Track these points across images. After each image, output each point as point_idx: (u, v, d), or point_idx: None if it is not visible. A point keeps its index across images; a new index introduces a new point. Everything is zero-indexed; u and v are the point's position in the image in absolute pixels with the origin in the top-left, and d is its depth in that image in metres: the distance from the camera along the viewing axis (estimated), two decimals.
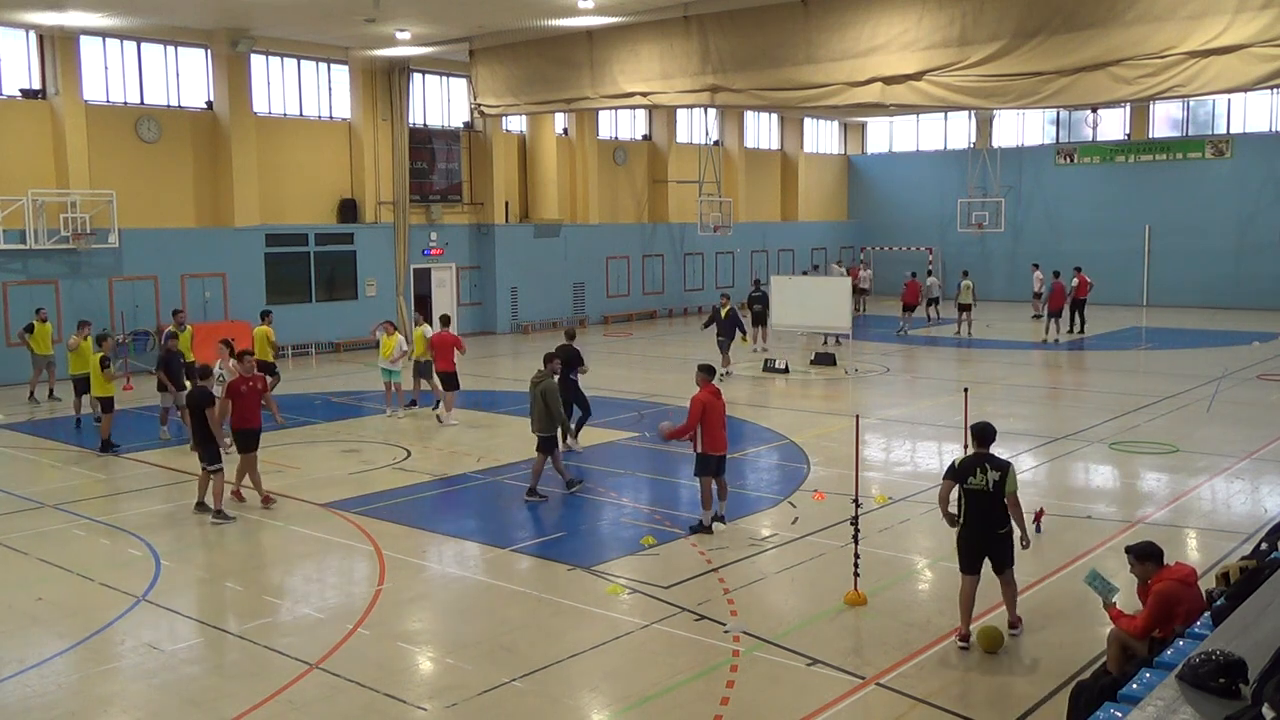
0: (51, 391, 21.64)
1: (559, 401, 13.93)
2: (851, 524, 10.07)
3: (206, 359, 24.80)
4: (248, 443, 13.43)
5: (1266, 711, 4.30)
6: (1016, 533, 8.89)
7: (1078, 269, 32.09)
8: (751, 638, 9.06)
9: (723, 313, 23.71)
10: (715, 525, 12.28)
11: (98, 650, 9.17)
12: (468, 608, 10.23)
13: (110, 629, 9.59)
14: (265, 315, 20.81)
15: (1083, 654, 8.58)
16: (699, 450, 12.13)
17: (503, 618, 9.77)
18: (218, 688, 8.37)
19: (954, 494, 9.04)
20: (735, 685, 8.20)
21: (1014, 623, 9.15)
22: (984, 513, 8.82)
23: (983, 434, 9.09)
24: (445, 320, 20.23)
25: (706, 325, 24.99)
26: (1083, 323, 31.37)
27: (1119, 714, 5.25)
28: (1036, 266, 36.41)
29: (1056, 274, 31.70)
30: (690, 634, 9.23)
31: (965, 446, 11.93)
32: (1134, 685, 5.65)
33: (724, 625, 9.34)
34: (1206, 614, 6.59)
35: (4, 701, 8.13)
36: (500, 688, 8.23)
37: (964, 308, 31.64)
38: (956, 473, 8.96)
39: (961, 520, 8.97)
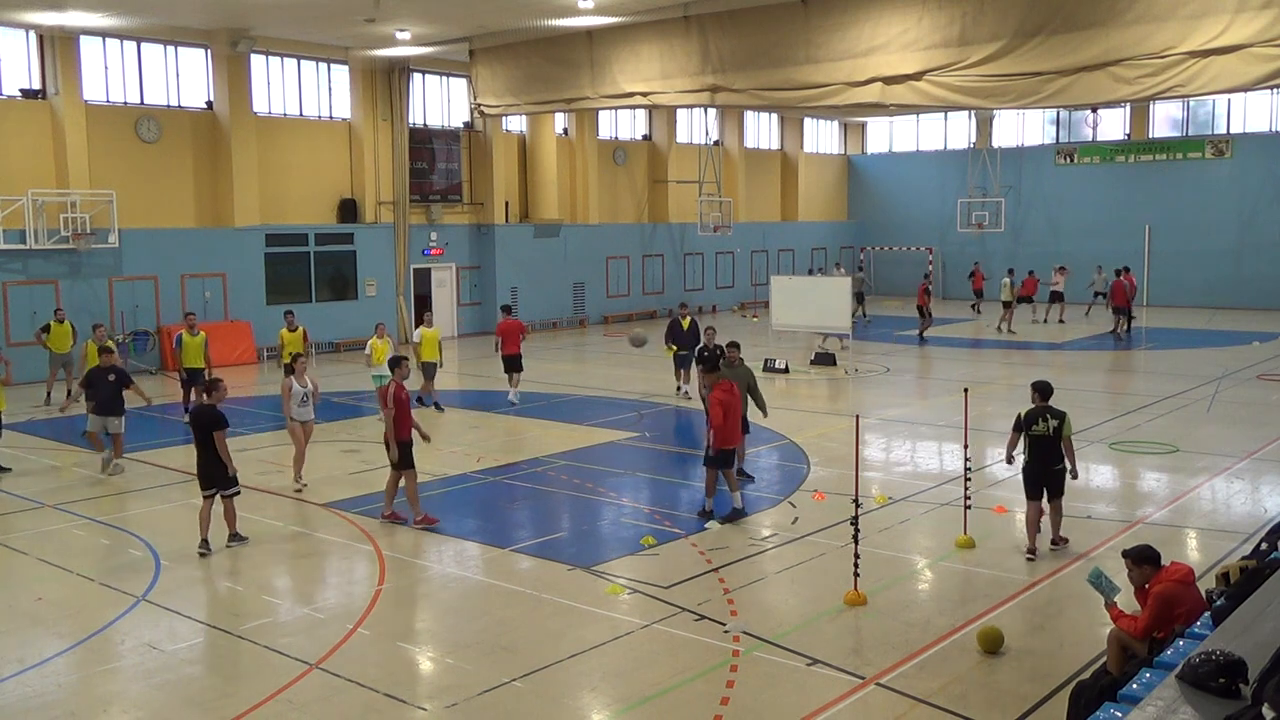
0: (70, 392, 21.58)
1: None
2: (851, 524, 10.06)
3: (223, 361, 24.81)
4: (408, 457, 12.55)
5: (1266, 711, 4.30)
6: (1068, 467, 11.03)
7: (1060, 268, 32.50)
8: (751, 638, 9.06)
9: (684, 323, 20.97)
10: (711, 523, 12.37)
11: (98, 650, 9.17)
12: (468, 608, 10.23)
13: (110, 629, 9.59)
14: (288, 314, 21.20)
15: (1083, 654, 8.58)
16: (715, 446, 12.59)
17: (503, 618, 9.76)
18: (218, 688, 8.37)
19: (1021, 440, 11.15)
20: (735, 685, 8.20)
21: (1057, 541, 11.19)
22: (1043, 453, 10.98)
23: (1043, 389, 11.15)
24: (508, 309, 22.43)
25: (669, 340, 21.27)
26: (1044, 317, 31.82)
27: (1119, 714, 5.25)
28: (1063, 269, 36.24)
29: (1119, 271, 31.72)
30: (690, 634, 9.22)
31: (965, 446, 12.01)
32: (1134, 685, 5.65)
33: (724, 625, 9.34)
34: (1206, 614, 6.59)
35: (4, 701, 8.13)
36: (500, 688, 8.23)
37: (1005, 305, 32.33)
38: (1022, 423, 11.06)
39: (1026, 459, 11.09)
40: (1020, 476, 11.31)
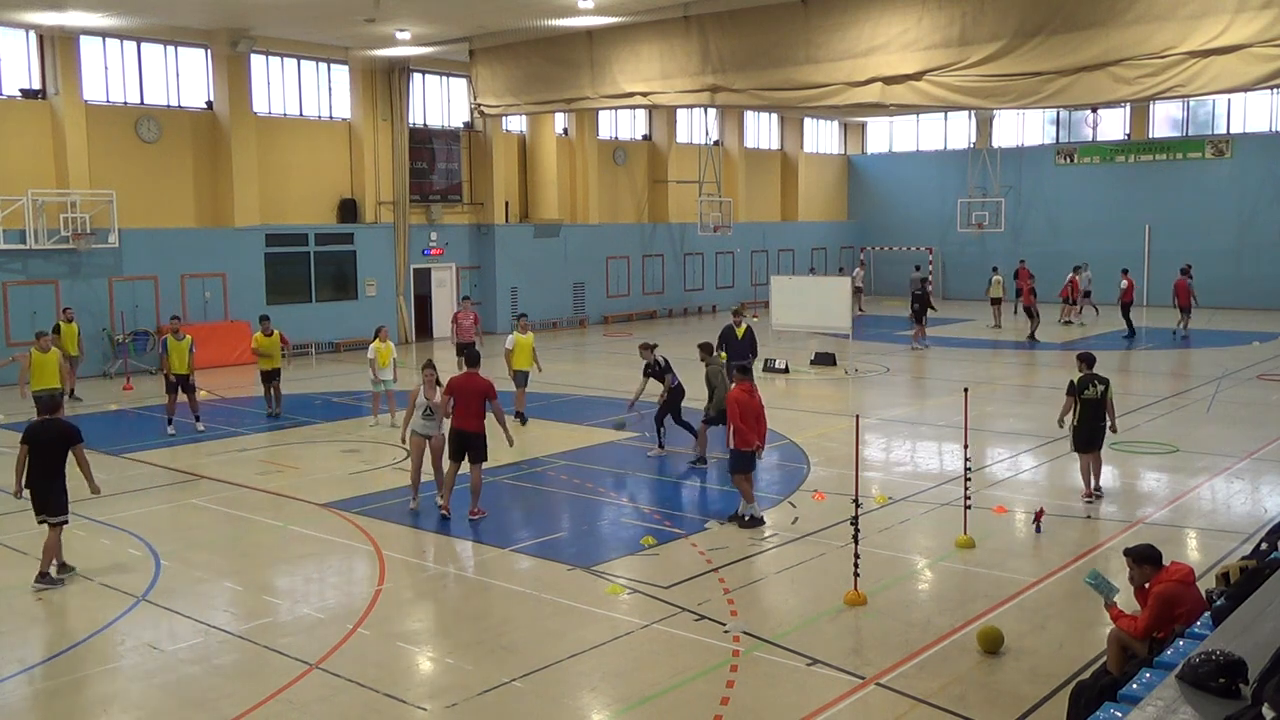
0: (72, 391, 21.48)
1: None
2: (851, 524, 10.06)
3: (223, 361, 24.57)
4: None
5: (1266, 711, 4.30)
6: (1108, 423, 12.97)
7: (1078, 271, 32.35)
8: (751, 638, 9.05)
9: (739, 331, 18.32)
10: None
11: (98, 650, 9.17)
12: (468, 608, 10.23)
13: (110, 629, 9.59)
14: (263, 319, 20.60)
15: (1083, 654, 8.57)
16: (732, 446, 12.37)
17: (503, 618, 9.77)
18: (218, 688, 8.36)
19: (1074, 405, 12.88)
20: (735, 685, 8.20)
21: (1091, 494, 13.00)
22: (1094, 413, 12.83)
23: (1088, 359, 13.01)
24: (466, 299, 24.59)
25: (719, 349, 17.44)
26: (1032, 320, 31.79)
27: (1119, 714, 5.24)
28: (1077, 269, 35.77)
29: (1182, 270, 31.54)
30: (690, 634, 9.22)
31: (965, 447, 12.00)
32: (1134, 685, 5.65)
33: (724, 625, 9.33)
34: (1206, 614, 6.59)
35: (4, 701, 8.13)
36: (500, 688, 8.23)
37: (995, 301, 32.51)
38: (1076, 389, 12.83)
39: (1077, 420, 12.86)
40: (1072, 436, 13.00)
